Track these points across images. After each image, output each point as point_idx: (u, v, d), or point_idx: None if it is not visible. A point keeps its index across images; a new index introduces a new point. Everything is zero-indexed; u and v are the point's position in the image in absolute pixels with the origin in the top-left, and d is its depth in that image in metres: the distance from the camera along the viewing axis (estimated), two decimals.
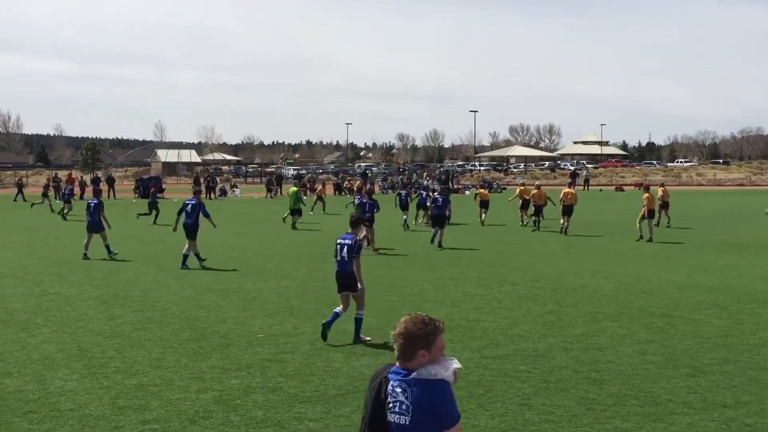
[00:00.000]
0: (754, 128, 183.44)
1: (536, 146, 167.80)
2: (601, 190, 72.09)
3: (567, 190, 31.26)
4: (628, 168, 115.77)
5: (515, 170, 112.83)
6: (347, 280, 11.91)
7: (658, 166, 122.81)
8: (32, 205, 46.78)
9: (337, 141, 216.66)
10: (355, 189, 34.87)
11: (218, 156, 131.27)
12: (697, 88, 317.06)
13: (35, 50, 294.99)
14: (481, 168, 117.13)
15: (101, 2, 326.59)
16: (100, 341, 11.78)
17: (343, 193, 64.98)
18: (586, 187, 73.49)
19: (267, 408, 8.65)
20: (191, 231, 20.39)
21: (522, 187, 34.85)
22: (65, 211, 38.76)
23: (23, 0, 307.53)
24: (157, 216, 35.12)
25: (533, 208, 32.11)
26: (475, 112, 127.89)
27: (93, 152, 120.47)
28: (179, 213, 20.92)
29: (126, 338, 11.98)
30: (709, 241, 26.86)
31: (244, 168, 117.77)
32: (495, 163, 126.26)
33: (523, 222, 33.47)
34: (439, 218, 25.69)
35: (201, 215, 20.71)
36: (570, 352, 11.01)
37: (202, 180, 62.67)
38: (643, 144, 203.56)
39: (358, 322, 11.90)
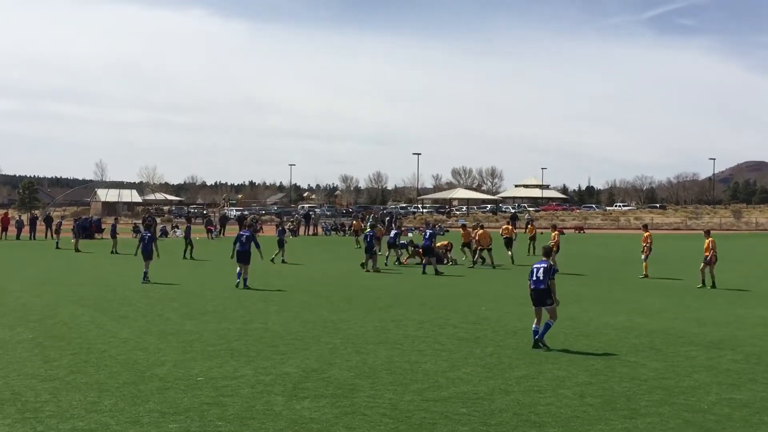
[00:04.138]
0: (689, 174, 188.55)
1: (478, 189, 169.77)
2: (542, 233, 72.83)
3: (505, 226, 37.09)
4: (569, 211, 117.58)
5: (457, 213, 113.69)
6: (541, 297, 14.67)
7: (597, 210, 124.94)
8: None
9: (281, 182, 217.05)
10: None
11: (160, 196, 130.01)
12: (635, 134, 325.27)
13: None
14: (424, 210, 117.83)
15: (40, 39, 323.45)
16: (35, 385, 11.49)
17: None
18: (526, 230, 74.27)
19: None
20: (244, 257, 24.63)
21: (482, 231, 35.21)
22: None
23: None
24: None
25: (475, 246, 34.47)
26: (418, 154, 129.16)
27: (31, 191, 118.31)
28: (234, 243, 25.37)
29: (61, 382, 11.71)
30: (647, 283, 27.32)
31: (185, 208, 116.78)
32: (438, 206, 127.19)
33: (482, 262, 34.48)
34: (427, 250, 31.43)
35: (253, 244, 25.27)
36: (510, 394, 11.07)
37: (141, 220, 61.87)
38: (583, 188, 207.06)
39: (547, 327, 14.61)
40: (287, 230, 42.08)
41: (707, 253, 26.06)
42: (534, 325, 14.80)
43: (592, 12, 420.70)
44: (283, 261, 35.05)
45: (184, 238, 39.26)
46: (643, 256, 29.90)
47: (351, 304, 21.13)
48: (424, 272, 30.40)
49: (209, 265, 34.25)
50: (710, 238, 26.56)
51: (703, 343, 15.39)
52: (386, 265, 33.84)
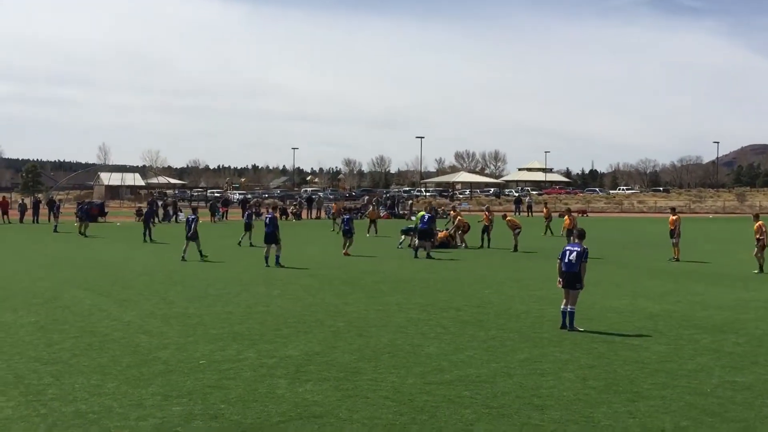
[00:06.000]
0: (693, 157, 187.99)
1: (482, 172, 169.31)
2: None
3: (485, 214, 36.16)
4: (572, 195, 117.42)
5: (461, 196, 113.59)
6: (573, 279, 14.88)
7: (600, 194, 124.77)
8: None
9: (284, 165, 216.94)
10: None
11: (163, 180, 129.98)
12: (639, 118, 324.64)
13: None
14: (427, 194, 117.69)
15: (44, 23, 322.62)
16: (38, 368, 11.52)
17: (287, 217, 64.57)
18: (529, 213, 74.27)
19: None
20: (272, 238, 26.59)
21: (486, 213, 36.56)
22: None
23: None
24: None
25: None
26: (421, 138, 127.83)
27: (34, 175, 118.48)
28: (265, 225, 27.37)
29: (64, 365, 11.74)
30: (650, 267, 27.30)
31: (188, 192, 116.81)
32: (441, 189, 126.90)
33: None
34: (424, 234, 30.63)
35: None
36: (513, 377, 11.07)
37: (146, 203, 61.92)
38: (587, 171, 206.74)
39: (572, 315, 14.83)
40: (254, 214, 42.16)
41: (759, 236, 25.73)
42: (562, 306, 15.05)
43: None
44: (250, 244, 34.74)
45: (143, 221, 40.28)
46: (673, 240, 29.93)
47: (354, 287, 21.13)
48: (416, 257, 29.90)
49: (212, 248, 34.24)
50: (760, 221, 26.01)
51: (707, 326, 15.38)
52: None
